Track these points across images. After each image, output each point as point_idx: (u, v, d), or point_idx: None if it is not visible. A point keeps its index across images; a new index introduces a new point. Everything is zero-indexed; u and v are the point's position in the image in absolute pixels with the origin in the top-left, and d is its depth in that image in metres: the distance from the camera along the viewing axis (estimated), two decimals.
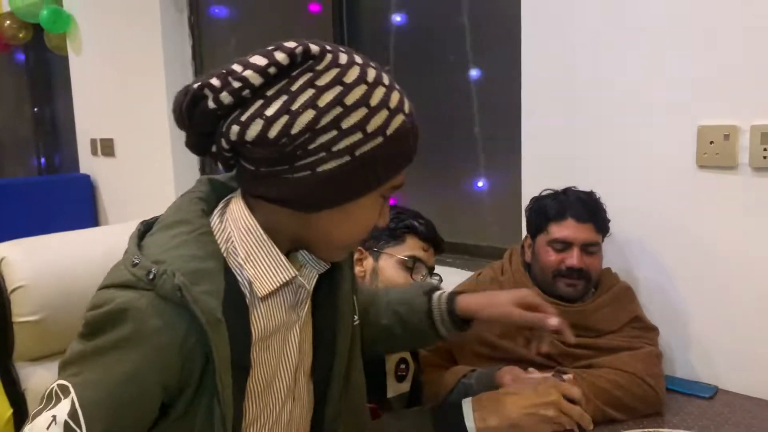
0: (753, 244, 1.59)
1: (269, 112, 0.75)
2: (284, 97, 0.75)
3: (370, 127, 0.76)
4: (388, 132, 0.78)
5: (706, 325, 1.70)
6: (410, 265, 1.35)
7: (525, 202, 1.72)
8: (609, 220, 1.63)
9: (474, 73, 2.34)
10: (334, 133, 0.75)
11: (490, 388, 1.41)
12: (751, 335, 1.63)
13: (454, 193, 2.48)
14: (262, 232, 0.82)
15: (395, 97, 0.80)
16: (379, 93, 0.78)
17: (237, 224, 0.82)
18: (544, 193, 1.67)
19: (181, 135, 0.82)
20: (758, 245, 1.59)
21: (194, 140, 0.81)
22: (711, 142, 1.62)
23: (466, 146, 2.39)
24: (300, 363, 0.91)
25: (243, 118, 0.76)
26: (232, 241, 0.82)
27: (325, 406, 0.95)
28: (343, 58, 0.77)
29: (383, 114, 0.77)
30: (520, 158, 2.00)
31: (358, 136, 0.76)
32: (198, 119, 0.77)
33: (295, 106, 0.74)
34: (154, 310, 0.73)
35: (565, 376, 1.32)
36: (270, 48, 0.76)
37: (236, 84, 0.75)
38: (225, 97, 0.75)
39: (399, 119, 0.79)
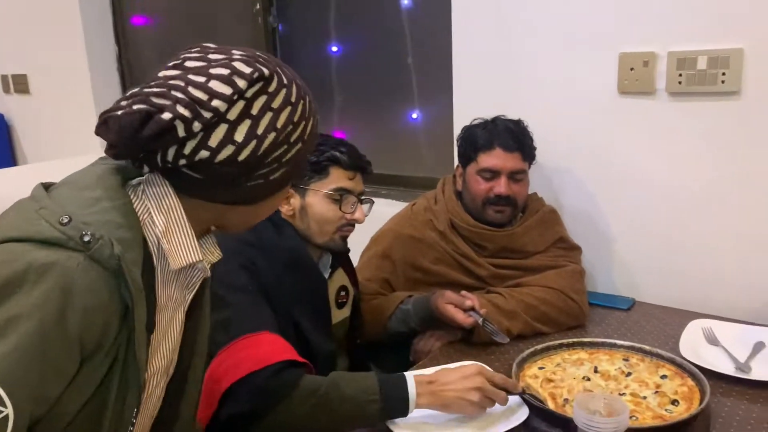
0: (670, 166, 1.70)
1: (238, 137, 0.81)
2: (248, 122, 0.82)
3: (306, 136, 0.88)
4: (310, 135, 0.90)
5: (625, 244, 1.83)
6: (338, 197, 1.34)
7: (457, 132, 1.76)
8: (535, 148, 1.69)
9: (405, 1, 2.32)
10: (285, 147, 0.86)
11: (427, 312, 1.49)
12: (667, 251, 1.76)
13: (389, 125, 2.49)
14: (183, 214, 0.86)
15: (310, 103, 0.90)
16: (308, 104, 0.88)
17: (159, 201, 0.85)
18: (474, 122, 1.71)
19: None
20: (674, 166, 1.70)
21: (130, 150, 0.81)
22: (631, 69, 1.69)
23: (400, 78, 2.39)
24: (177, 345, 0.95)
25: (212, 143, 0.80)
26: (150, 215, 0.84)
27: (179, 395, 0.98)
28: (284, 78, 0.85)
29: (311, 121, 0.89)
30: (452, 89, 2.03)
31: (299, 145, 0.88)
32: (159, 143, 0.79)
33: (260, 131, 0.82)
34: (84, 272, 0.73)
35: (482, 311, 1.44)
36: (227, 73, 0.80)
37: (207, 114, 0.79)
38: (197, 126, 0.79)
39: (315, 121, 0.91)
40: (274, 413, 1.10)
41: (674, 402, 1.19)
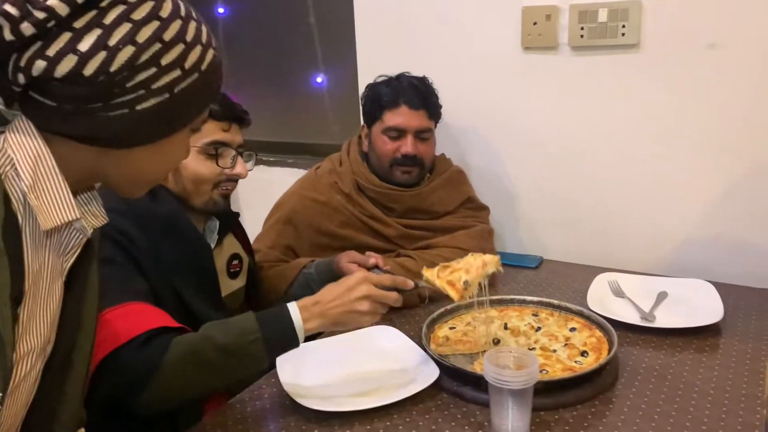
0: (574, 121, 1.69)
1: (83, 47, 0.69)
2: (98, 31, 0.70)
3: (188, 64, 0.75)
4: (203, 68, 0.77)
5: (532, 202, 1.82)
6: (213, 152, 1.22)
7: (362, 93, 1.69)
8: (441, 106, 1.64)
9: None
10: (154, 70, 0.73)
11: (330, 274, 1.41)
12: (572, 209, 1.76)
13: (292, 91, 2.38)
14: (54, 162, 0.74)
15: (205, 31, 0.79)
16: (192, 28, 0.76)
17: (24, 149, 0.73)
18: (379, 80, 1.64)
19: None
20: (578, 122, 1.69)
21: None
22: (534, 23, 1.66)
23: (301, 40, 2.28)
24: (55, 319, 0.82)
25: (50, 52, 0.69)
26: (14, 166, 0.73)
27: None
28: None
29: (198, 50, 0.76)
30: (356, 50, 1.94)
31: (177, 73, 0.74)
32: None
33: (112, 42, 0.70)
34: None
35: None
36: None
37: (40, 14, 0.67)
38: (26, 28, 0.67)
39: (211, 54, 0.79)
40: (149, 388, 0.97)
41: (583, 353, 1.17)
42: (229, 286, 1.36)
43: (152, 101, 0.74)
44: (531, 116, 1.74)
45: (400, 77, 1.62)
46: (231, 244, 1.39)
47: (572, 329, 1.26)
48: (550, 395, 1.05)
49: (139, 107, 0.73)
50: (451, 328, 1.29)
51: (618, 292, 1.47)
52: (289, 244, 1.59)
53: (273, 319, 1.04)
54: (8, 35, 0.67)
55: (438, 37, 1.80)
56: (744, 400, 1.06)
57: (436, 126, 1.64)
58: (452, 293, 1.13)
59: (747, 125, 1.51)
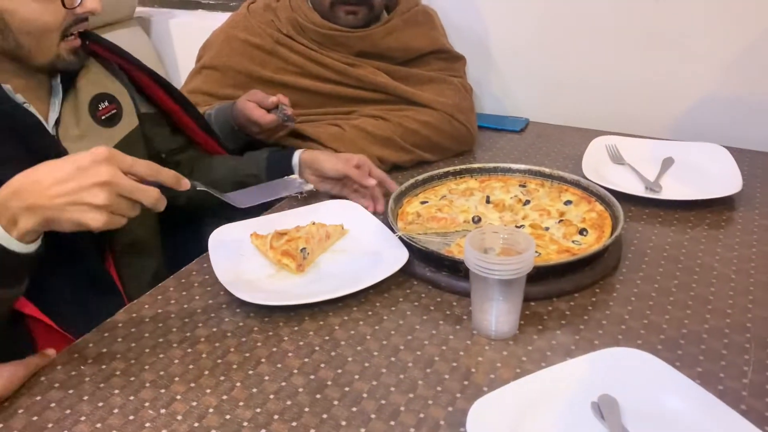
0: None
1: None
2: None
3: None
4: None
5: (514, 55, 1.56)
6: None
7: None
8: None
9: None
10: None
11: (226, 115, 1.23)
12: (562, 64, 1.52)
13: None
14: None
15: None
16: None
17: None
18: None
19: None
20: None
21: None
22: None
23: None
24: None
25: None
26: None
27: None
28: None
29: None
30: None
31: None
32: None
33: None
34: None
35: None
36: None
37: None
38: None
39: None
40: None
41: (582, 231, 0.97)
42: (107, 137, 1.01)
43: None
44: None
45: None
46: (93, 82, 1.03)
47: (567, 202, 1.05)
48: (542, 282, 0.86)
49: None
50: (422, 203, 1.08)
51: (617, 159, 1.26)
52: (211, 91, 1.33)
53: None
54: None
55: None
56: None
57: None
58: (291, 265, 0.91)
59: None
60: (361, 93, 1.31)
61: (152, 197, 0.73)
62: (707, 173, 1.19)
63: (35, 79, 0.96)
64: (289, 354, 0.78)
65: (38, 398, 0.71)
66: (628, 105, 1.47)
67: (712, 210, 1.08)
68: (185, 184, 0.77)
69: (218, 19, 1.85)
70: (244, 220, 1.02)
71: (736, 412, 0.62)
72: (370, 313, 0.85)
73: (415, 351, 0.78)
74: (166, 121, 1.16)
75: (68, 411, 0.70)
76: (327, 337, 0.80)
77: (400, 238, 0.95)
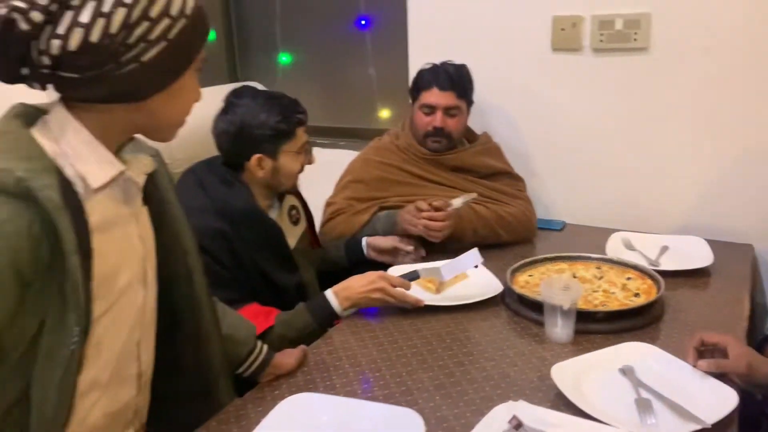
0: (592, 108, 2.07)
1: (84, 19, 0.79)
2: (92, 3, 0.80)
3: (173, 11, 0.85)
4: (188, 12, 0.88)
5: (556, 176, 2.20)
6: (303, 151, 1.58)
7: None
8: (472, 89, 1.96)
9: None
10: (147, 24, 0.83)
11: (390, 226, 1.85)
12: (590, 181, 2.14)
13: (346, 79, 2.72)
14: (87, 132, 0.88)
15: None
16: None
17: (61, 127, 0.87)
18: (424, 66, 1.98)
19: None
20: (597, 109, 2.07)
21: (5, 67, 0.83)
22: (562, 29, 2.03)
23: (353, 35, 2.62)
24: (147, 254, 1.01)
25: (60, 31, 0.79)
26: (57, 142, 0.87)
27: (171, 290, 1.08)
28: None
29: None
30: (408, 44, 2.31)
31: (167, 21, 0.85)
32: (10, 43, 0.79)
33: (105, 9, 0.80)
34: None
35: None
36: None
37: (43, 1, 0.79)
38: (36, 15, 0.78)
39: (191, 1, 0.89)
40: None
41: (636, 295, 1.50)
42: (294, 232, 1.70)
43: (154, 51, 0.85)
44: (558, 104, 2.11)
45: (441, 64, 1.95)
46: (287, 199, 1.72)
47: (629, 278, 1.57)
48: (610, 323, 1.39)
49: (144, 58, 0.84)
50: (530, 276, 1.62)
51: (630, 247, 1.85)
52: (359, 197, 1.96)
53: (320, 310, 1.46)
54: (24, 25, 0.78)
55: (482, 36, 2.17)
56: (729, 319, 1.45)
57: (468, 105, 1.97)
58: (431, 287, 1.58)
59: (735, 117, 1.89)
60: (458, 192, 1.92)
61: (399, 294, 1.48)
62: (690, 254, 1.77)
63: (273, 199, 1.63)
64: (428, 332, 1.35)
65: None
66: (636, 210, 2.08)
67: (694, 275, 1.66)
68: (420, 302, 1.49)
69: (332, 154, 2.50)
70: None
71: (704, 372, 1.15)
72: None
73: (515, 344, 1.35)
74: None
75: None
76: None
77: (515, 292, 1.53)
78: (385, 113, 2.65)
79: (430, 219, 1.76)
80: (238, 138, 1.51)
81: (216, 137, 1.56)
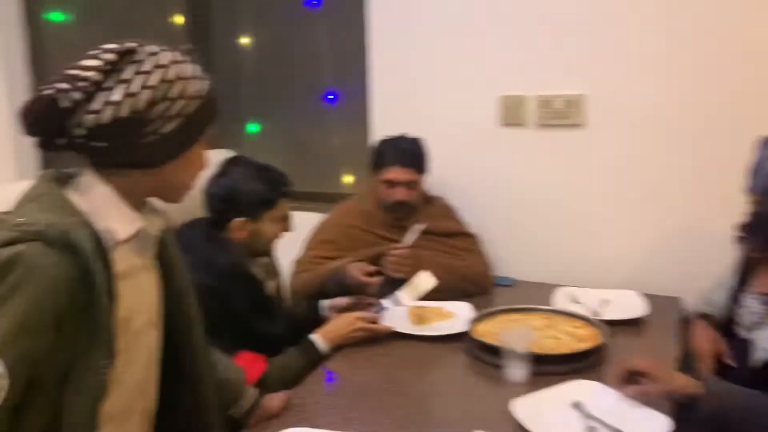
0: (536, 176, 2.32)
1: (115, 98, 0.94)
2: (122, 85, 0.94)
3: (189, 93, 1.00)
4: (202, 94, 1.03)
5: (504, 236, 2.39)
6: (283, 219, 1.73)
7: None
8: (428, 161, 2.15)
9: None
10: (167, 103, 0.97)
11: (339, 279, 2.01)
12: (535, 241, 2.36)
13: (311, 147, 2.90)
14: (113, 194, 1.02)
15: (197, 69, 1.04)
16: (186, 68, 1.02)
17: (92, 190, 1.01)
18: (383, 139, 2.17)
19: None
20: (540, 177, 2.31)
21: (44, 139, 0.98)
22: (509, 107, 2.29)
23: (319, 107, 2.82)
24: (157, 301, 1.13)
25: (94, 107, 0.93)
26: (90, 203, 1.00)
27: (174, 336, 1.19)
28: (151, 47, 1.00)
29: (194, 82, 1.01)
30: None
31: (183, 102, 0.99)
32: (51, 118, 0.94)
33: (133, 90, 0.95)
34: (43, 254, 0.89)
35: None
36: (97, 52, 0.98)
37: (82, 84, 0.94)
38: (77, 95, 0.94)
39: (206, 84, 1.04)
40: None
41: (582, 341, 1.68)
42: (270, 286, 1.83)
43: (171, 125, 0.99)
44: (507, 172, 2.35)
45: (399, 139, 2.15)
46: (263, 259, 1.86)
47: (575, 327, 1.76)
48: (562, 364, 1.57)
49: (163, 131, 0.98)
50: (485, 325, 1.79)
51: (575, 300, 2.04)
52: (328, 256, 2.12)
53: (311, 353, 1.68)
54: (65, 103, 0.94)
55: (438, 112, 2.39)
56: (660, 359, 1.64)
57: (424, 174, 2.16)
58: (412, 318, 1.86)
59: (661, 188, 2.16)
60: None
61: (376, 329, 1.77)
62: (627, 306, 1.97)
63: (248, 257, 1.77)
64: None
65: None
66: (578, 267, 2.30)
67: (631, 324, 1.87)
68: (389, 329, 1.78)
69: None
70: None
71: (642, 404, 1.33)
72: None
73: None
74: None
75: None
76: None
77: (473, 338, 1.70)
78: (348, 178, 2.84)
79: (394, 254, 2.00)
80: (226, 200, 1.67)
81: (208, 196, 1.71)
